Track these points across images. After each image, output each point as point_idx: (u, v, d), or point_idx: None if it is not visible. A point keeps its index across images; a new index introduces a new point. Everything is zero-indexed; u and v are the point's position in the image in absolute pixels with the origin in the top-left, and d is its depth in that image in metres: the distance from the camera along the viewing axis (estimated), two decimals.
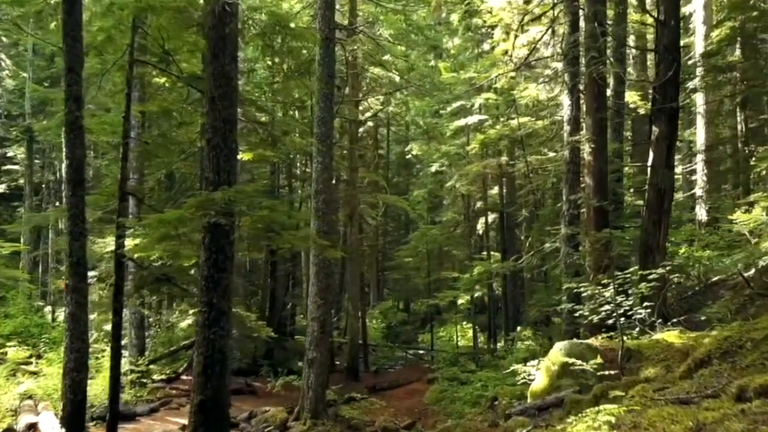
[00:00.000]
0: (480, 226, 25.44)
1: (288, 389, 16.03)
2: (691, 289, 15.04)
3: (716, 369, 5.64)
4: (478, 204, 24.99)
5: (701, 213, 20.04)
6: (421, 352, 26.58)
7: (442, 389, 16.75)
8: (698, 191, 19.57)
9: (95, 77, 9.48)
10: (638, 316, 8.44)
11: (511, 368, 9.34)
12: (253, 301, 29.06)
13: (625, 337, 7.75)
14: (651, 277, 7.91)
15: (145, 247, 7.38)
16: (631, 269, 7.75)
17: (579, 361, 7.63)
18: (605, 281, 7.98)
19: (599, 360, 7.56)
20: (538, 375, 8.21)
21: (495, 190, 25.12)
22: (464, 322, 27.20)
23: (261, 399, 15.10)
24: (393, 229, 39.10)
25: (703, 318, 8.82)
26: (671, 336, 7.82)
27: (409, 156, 30.11)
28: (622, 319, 8.00)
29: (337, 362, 22.47)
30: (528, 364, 9.13)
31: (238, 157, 10.21)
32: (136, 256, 7.87)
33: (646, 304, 8.41)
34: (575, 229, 12.27)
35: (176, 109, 8.07)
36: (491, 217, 24.91)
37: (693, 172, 20.40)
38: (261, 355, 23.73)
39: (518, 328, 22.80)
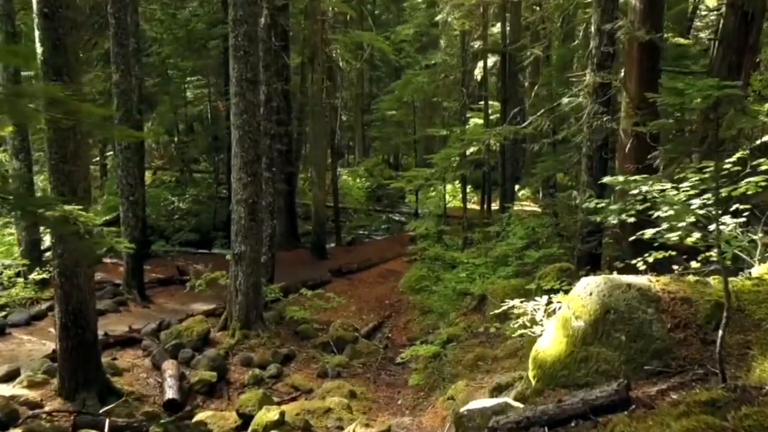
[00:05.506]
0: (478, 72, 21.31)
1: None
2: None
3: None
4: (476, 44, 20.60)
5: None
6: (405, 211, 23.62)
7: (422, 274, 13.83)
8: None
9: None
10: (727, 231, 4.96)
11: (503, 306, 6.00)
12: (219, 159, 25.76)
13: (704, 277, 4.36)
14: (764, 168, 4.27)
15: None
16: (740, 153, 4.08)
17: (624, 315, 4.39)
18: (680, 173, 4.37)
19: (665, 321, 4.23)
20: (549, 329, 4.88)
21: (497, 28, 20.67)
22: (456, 182, 23.88)
23: (193, 293, 12.08)
24: (384, 75, 34.67)
25: None
26: None
27: None
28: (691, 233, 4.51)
29: (309, 227, 19.38)
30: (530, 303, 5.70)
31: None
32: None
33: (738, 206, 4.85)
34: (608, 77, 8.34)
35: None
36: (491, 60, 20.73)
37: None
38: (221, 224, 20.60)
39: (516, 187, 19.66)
